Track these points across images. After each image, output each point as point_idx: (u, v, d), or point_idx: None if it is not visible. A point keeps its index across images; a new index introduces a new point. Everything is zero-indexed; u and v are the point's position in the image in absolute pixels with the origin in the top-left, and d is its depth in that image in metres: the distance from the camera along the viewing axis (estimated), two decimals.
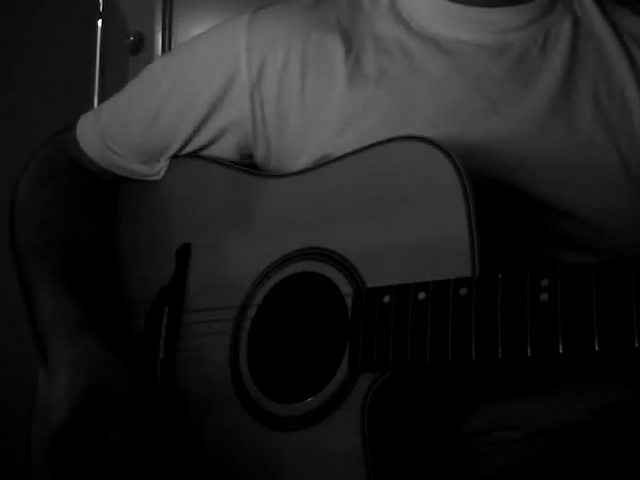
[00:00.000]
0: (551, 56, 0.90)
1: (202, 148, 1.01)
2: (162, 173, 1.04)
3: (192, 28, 1.98)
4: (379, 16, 0.94)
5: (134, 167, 1.05)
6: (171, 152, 1.02)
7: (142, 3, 2.01)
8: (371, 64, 0.91)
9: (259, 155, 0.98)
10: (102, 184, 1.08)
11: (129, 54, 2.00)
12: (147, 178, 1.05)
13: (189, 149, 1.01)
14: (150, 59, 1.98)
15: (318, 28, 0.94)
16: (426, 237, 0.77)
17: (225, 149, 0.99)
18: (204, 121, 0.98)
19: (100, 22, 2.03)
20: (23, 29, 1.91)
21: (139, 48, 2.00)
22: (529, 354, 0.67)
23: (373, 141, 0.83)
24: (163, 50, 1.99)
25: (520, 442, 0.86)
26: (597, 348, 0.64)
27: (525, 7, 0.92)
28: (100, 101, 2.01)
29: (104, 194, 1.08)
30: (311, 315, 0.92)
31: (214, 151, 1.00)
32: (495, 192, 0.82)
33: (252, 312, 0.89)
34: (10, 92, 1.90)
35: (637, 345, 0.62)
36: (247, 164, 0.99)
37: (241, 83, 0.95)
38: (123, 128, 1.03)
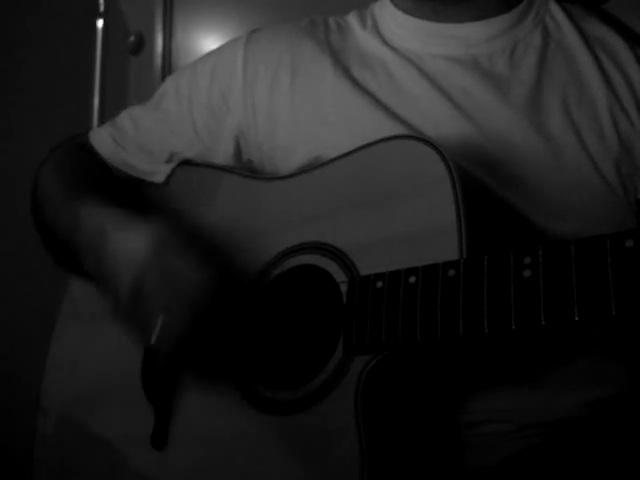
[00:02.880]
0: (519, 66, 0.94)
1: (203, 154, 1.05)
2: (162, 176, 1.07)
3: (192, 28, 2.00)
4: (364, 35, 1.01)
5: (139, 165, 1.08)
6: (171, 154, 1.06)
7: (142, 3, 2.03)
8: (356, 77, 0.97)
9: (255, 159, 1.03)
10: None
11: (129, 54, 2.02)
12: (149, 178, 1.08)
13: (190, 154, 1.05)
14: (150, 59, 2.00)
15: (308, 43, 1.01)
16: (417, 226, 0.80)
17: (225, 155, 1.04)
18: (203, 128, 1.04)
19: (100, 22, 2.05)
20: (23, 29, 1.92)
21: (139, 48, 2.01)
22: (513, 327, 0.69)
23: (359, 141, 0.87)
24: (163, 50, 2.00)
25: (511, 435, 0.87)
26: (577, 318, 0.66)
27: (493, 21, 0.96)
28: (100, 101, 2.03)
29: (117, 181, 1.11)
30: (308, 305, 0.95)
31: (215, 157, 1.04)
32: (480, 191, 0.85)
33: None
34: (10, 92, 1.90)
35: (614, 313, 0.64)
36: (247, 168, 1.03)
37: (236, 93, 1.02)
38: (134, 129, 1.09)
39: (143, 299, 0.84)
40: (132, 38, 2.00)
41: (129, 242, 0.87)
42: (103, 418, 1.00)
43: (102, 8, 2.05)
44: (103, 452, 0.99)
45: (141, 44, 2.01)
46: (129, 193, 1.10)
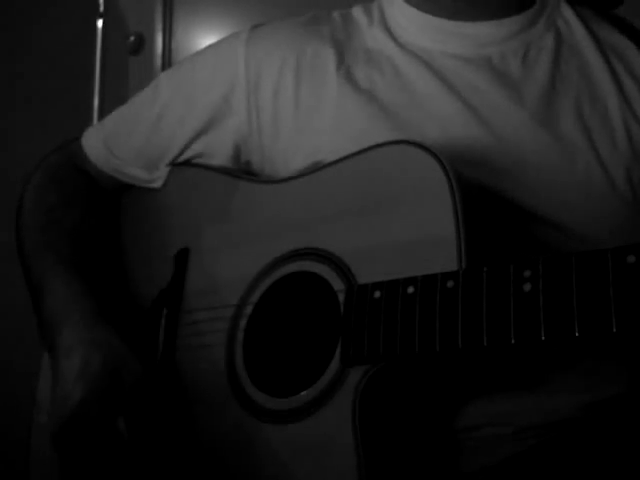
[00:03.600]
0: (533, 68, 0.92)
1: (201, 155, 1.03)
2: (160, 181, 1.06)
3: (192, 28, 2.00)
4: (371, 31, 0.99)
5: (134, 172, 1.07)
6: (170, 157, 1.04)
7: (142, 3, 2.02)
8: (362, 76, 0.95)
9: (255, 161, 1.01)
10: (104, 191, 1.10)
11: (129, 54, 2.01)
12: (146, 185, 1.07)
13: (188, 155, 1.04)
14: (150, 59, 2.00)
15: (312, 41, 0.98)
16: (415, 235, 0.79)
17: (223, 156, 1.02)
18: (204, 129, 1.02)
19: (100, 22, 2.04)
20: (23, 29, 1.91)
21: (139, 48, 2.01)
22: (513, 342, 0.69)
23: (362, 147, 0.86)
24: (163, 50, 2.00)
25: (509, 438, 0.86)
26: (577, 334, 0.66)
27: (506, 21, 0.94)
28: (100, 101, 2.03)
29: (106, 200, 1.10)
30: (305, 312, 0.94)
31: (213, 158, 1.02)
32: (482, 197, 0.84)
33: (248, 310, 0.91)
34: (11, 92, 1.90)
35: (615, 330, 0.64)
36: (244, 170, 1.02)
37: (239, 93, 0.99)
38: (127, 133, 1.07)
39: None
40: (132, 38, 1.99)
41: (67, 363, 0.87)
42: None
43: (102, 8, 2.04)
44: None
45: (141, 44, 2.00)
46: (115, 206, 1.09)
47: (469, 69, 0.92)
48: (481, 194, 0.84)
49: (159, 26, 2.00)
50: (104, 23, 2.04)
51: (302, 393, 0.82)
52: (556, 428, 0.86)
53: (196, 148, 1.03)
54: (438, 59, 0.94)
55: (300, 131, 0.96)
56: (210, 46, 1.06)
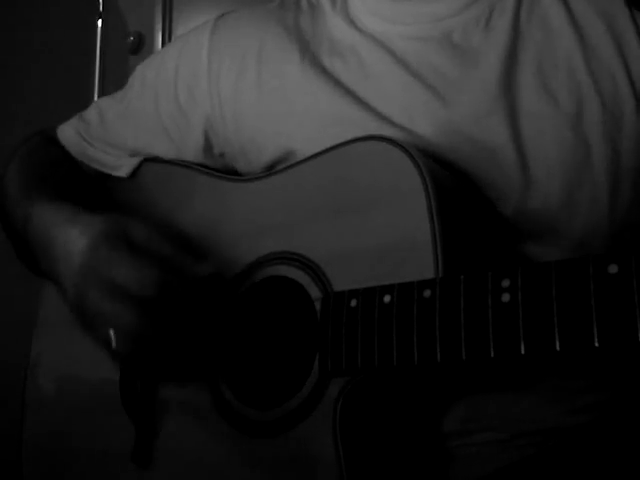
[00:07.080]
0: (495, 31, 0.88)
1: (170, 149, 1.01)
2: (127, 169, 1.03)
3: (192, 28, 1.98)
4: (334, 18, 0.96)
5: (98, 155, 1.05)
6: (136, 149, 1.03)
7: (142, 3, 2.03)
8: (326, 63, 0.92)
9: (228, 153, 0.99)
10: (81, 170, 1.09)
11: (129, 54, 2.02)
12: (111, 171, 1.05)
13: (158, 150, 1.02)
14: None
15: (276, 29, 0.96)
16: (391, 240, 0.76)
17: (194, 149, 0.99)
18: (171, 122, 1.00)
19: (100, 22, 2.05)
20: (23, 29, 1.92)
21: (139, 48, 2.01)
22: (492, 356, 0.65)
23: (330, 134, 0.83)
24: None
25: (502, 444, 0.84)
26: (558, 349, 0.62)
27: None
28: None
29: (84, 176, 1.08)
30: (283, 320, 0.91)
31: (184, 151, 1.00)
32: (457, 194, 0.80)
33: None
34: (10, 92, 1.91)
35: (597, 345, 0.60)
36: (221, 166, 0.99)
37: (202, 84, 0.97)
38: (97, 122, 1.06)
39: (88, 315, 0.80)
40: (132, 38, 2.00)
41: (69, 243, 0.82)
42: (83, 427, 0.97)
43: (101, 8, 2.05)
44: (82, 463, 0.96)
45: (141, 44, 2.01)
46: (95, 188, 1.06)
47: (429, 49, 0.89)
48: (455, 191, 0.80)
49: (159, 26, 2.00)
50: (104, 23, 2.05)
51: (282, 405, 0.80)
52: (553, 434, 0.84)
53: (165, 142, 1.01)
54: (397, 42, 0.90)
55: (265, 120, 0.93)
56: (179, 38, 1.05)
